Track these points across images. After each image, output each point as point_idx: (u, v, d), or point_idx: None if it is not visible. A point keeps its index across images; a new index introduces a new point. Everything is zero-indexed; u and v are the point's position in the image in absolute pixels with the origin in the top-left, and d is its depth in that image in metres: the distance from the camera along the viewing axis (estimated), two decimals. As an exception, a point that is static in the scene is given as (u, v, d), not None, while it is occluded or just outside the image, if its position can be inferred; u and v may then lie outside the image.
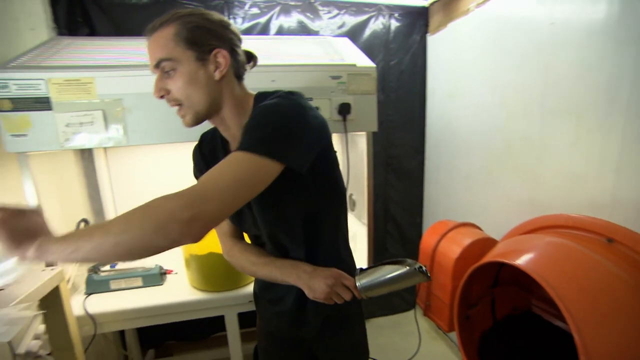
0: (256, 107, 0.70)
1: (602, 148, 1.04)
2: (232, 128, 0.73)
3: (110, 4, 1.59)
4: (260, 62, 1.25)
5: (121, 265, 1.35)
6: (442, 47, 1.87)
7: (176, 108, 0.69)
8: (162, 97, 0.66)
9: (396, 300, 2.28)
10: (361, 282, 0.72)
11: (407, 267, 0.70)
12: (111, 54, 1.20)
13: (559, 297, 0.68)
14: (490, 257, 0.97)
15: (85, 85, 1.04)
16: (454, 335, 1.94)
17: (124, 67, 1.07)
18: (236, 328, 1.24)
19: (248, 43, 1.46)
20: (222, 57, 0.66)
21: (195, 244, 1.12)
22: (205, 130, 0.85)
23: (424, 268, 0.69)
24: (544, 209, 1.25)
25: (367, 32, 1.90)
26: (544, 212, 1.14)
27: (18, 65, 1.05)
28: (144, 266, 1.29)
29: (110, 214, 1.58)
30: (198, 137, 0.89)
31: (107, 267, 1.33)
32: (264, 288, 0.89)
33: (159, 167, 1.61)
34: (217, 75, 0.67)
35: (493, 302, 1.17)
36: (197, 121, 0.69)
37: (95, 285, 1.26)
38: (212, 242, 1.14)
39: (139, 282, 1.25)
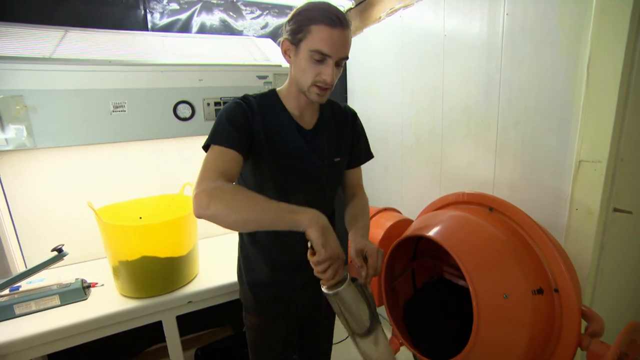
0: (328, 109, 0.94)
1: (485, 138, 1.30)
2: (309, 108, 0.89)
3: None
4: (187, 61, 1.24)
5: (27, 287, 1.19)
6: (359, 50, 2.05)
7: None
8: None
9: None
10: (344, 288, 0.68)
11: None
12: (2, 42, 1.05)
13: (457, 255, 0.86)
14: (407, 233, 1.14)
15: (-30, 80, 0.90)
16: (382, 309, 2.14)
17: (22, 59, 0.95)
18: (176, 333, 1.20)
19: (172, 41, 1.42)
20: None
21: (125, 249, 1.07)
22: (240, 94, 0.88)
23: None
24: (448, 189, 1.49)
25: (291, 33, 1.98)
26: (448, 191, 1.38)
27: None
28: (60, 282, 1.16)
29: (7, 228, 1.36)
30: (117, 138, 0.89)
31: (6, 291, 1.16)
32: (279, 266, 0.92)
33: (64, 171, 1.42)
34: None
35: (413, 273, 1.36)
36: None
37: (-8, 313, 1.08)
38: (143, 246, 1.09)
39: (55, 300, 1.12)
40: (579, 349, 0.83)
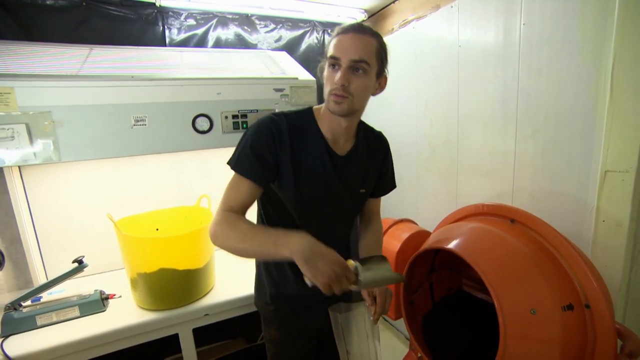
0: (362, 135, 0.92)
1: (503, 148, 1.28)
2: (344, 133, 0.85)
3: (18, 4, 1.43)
4: (205, 74, 1.27)
5: (48, 297, 1.20)
6: (372, 62, 2.06)
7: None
8: (342, 85, 0.75)
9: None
10: (364, 277, 0.67)
11: (397, 274, 0.74)
12: (30, 61, 1.09)
13: (480, 269, 0.84)
14: (426, 245, 1.11)
15: (2, 96, 0.93)
16: (398, 323, 2.09)
17: (52, 76, 0.99)
18: (192, 346, 1.19)
19: (190, 55, 1.46)
20: (384, 82, 0.85)
21: (143, 261, 1.08)
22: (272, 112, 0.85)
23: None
24: (464, 200, 1.47)
25: (303, 46, 2.01)
26: (465, 203, 1.35)
27: None
28: (80, 293, 1.17)
29: (30, 240, 1.39)
30: (137, 151, 0.95)
31: (29, 302, 1.17)
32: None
33: (85, 184, 1.46)
34: (376, 92, 0.85)
35: (431, 286, 1.33)
36: (348, 114, 0.79)
37: (15, 324, 1.10)
38: (162, 259, 1.10)
39: (75, 312, 1.13)
40: (613, 369, 0.79)
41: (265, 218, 0.90)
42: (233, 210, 0.76)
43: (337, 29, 0.78)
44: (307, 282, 0.66)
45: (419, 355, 1.40)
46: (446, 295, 1.37)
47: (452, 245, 0.98)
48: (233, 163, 0.79)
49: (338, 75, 0.75)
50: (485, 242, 0.95)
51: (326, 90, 0.79)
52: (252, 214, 0.83)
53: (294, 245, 0.64)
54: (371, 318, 0.86)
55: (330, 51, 0.77)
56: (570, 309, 0.81)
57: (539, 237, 0.94)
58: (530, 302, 0.81)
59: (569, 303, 0.81)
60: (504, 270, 0.86)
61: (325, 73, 0.79)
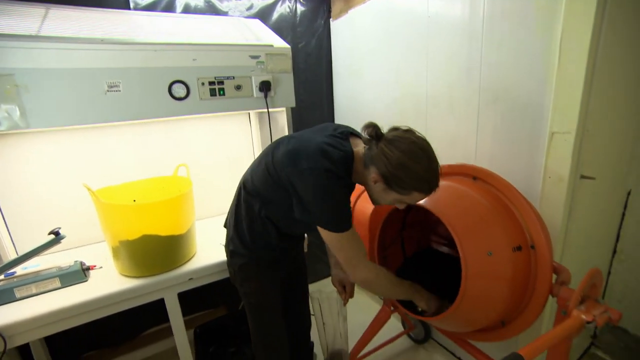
0: None
1: (467, 115, 1.39)
2: None
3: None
4: (180, 39, 1.23)
5: (22, 272, 1.17)
6: (343, 31, 2.07)
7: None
8: None
9: (319, 266, 2.48)
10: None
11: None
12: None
13: (446, 219, 0.95)
14: (398, 204, 1.21)
15: (-44, 58, 0.86)
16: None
17: (9, 36, 0.91)
18: (178, 309, 1.23)
19: (160, 20, 1.39)
20: None
21: (125, 229, 1.08)
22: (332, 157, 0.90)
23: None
24: (431, 166, 1.58)
25: (275, 15, 1.97)
26: (432, 167, 1.47)
27: None
28: (59, 265, 1.16)
29: (-5, 217, 1.32)
30: (113, 118, 1.09)
31: (2, 277, 1.14)
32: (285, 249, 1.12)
33: (53, 155, 1.38)
34: None
35: (402, 243, 1.45)
36: None
37: (-9, 298, 1.08)
38: (144, 225, 1.10)
39: (55, 283, 1.12)
40: (550, 297, 0.95)
41: (260, 220, 1.01)
42: (367, 254, 0.98)
43: (424, 186, 0.85)
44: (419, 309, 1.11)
45: (392, 308, 1.55)
46: (417, 251, 1.50)
47: (421, 201, 1.08)
48: (340, 227, 0.90)
49: (402, 206, 0.94)
50: (451, 197, 1.06)
51: (384, 200, 0.93)
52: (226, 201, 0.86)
53: (424, 296, 1.07)
54: (341, 301, 1.27)
55: (410, 201, 0.90)
56: (519, 250, 0.94)
57: (497, 191, 1.07)
58: (487, 246, 0.93)
59: (518, 245, 0.95)
60: (467, 220, 0.97)
61: (391, 201, 0.91)
